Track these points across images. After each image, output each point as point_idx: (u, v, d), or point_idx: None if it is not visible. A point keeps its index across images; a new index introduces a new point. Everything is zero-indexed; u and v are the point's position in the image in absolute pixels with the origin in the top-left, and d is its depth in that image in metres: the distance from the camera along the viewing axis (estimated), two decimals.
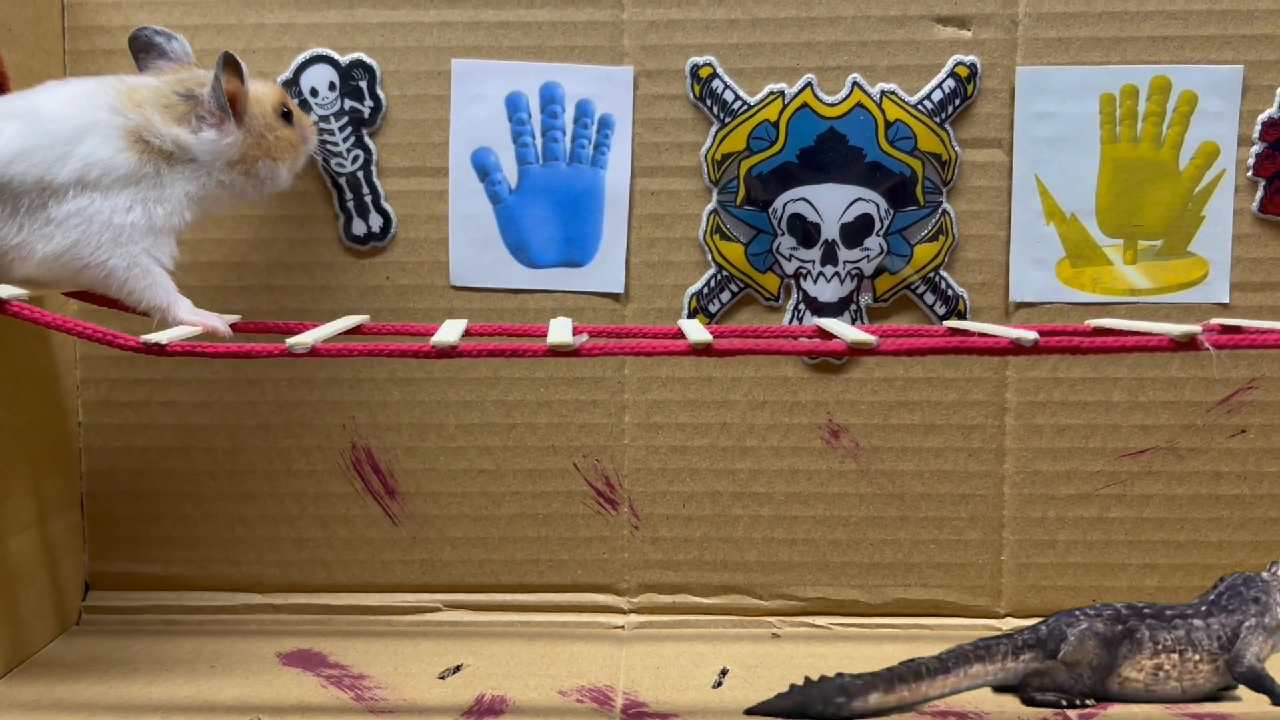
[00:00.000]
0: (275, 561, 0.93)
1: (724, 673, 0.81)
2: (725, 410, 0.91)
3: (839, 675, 0.73)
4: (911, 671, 0.74)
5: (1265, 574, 0.77)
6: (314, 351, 0.68)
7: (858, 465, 0.91)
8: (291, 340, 0.69)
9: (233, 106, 0.75)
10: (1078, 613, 0.76)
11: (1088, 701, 0.75)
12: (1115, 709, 0.75)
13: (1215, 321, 0.76)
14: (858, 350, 0.68)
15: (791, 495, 0.92)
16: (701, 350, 0.69)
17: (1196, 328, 0.66)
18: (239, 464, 0.93)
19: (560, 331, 0.71)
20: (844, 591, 0.92)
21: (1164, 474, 0.90)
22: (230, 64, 0.74)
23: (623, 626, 0.92)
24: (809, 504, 0.92)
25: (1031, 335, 0.66)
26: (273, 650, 0.86)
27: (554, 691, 0.78)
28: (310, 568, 0.93)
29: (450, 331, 0.72)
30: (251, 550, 0.93)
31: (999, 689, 0.77)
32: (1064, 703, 0.74)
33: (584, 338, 0.69)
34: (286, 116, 0.79)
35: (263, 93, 0.78)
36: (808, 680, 0.73)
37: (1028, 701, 0.75)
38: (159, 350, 0.68)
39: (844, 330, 0.72)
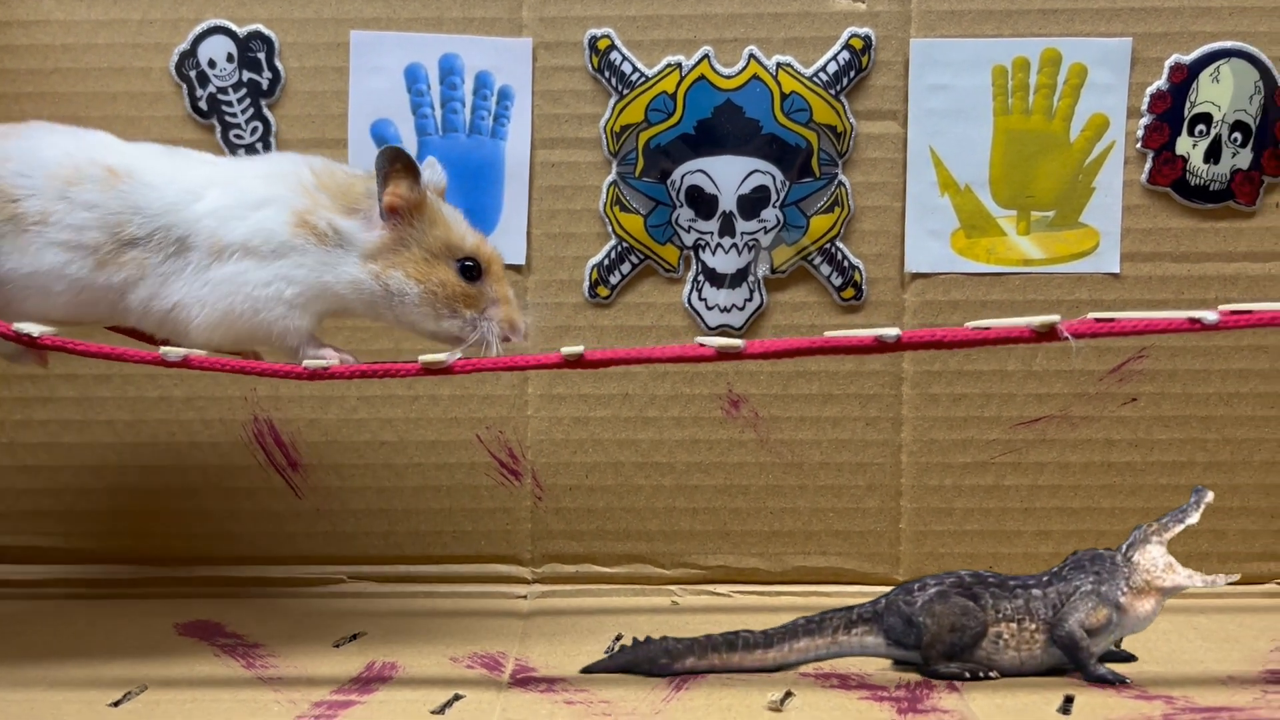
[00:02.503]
0: (178, 534, 0.93)
1: (618, 639, 0.82)
2: (627, 381, 0.92)
3: (664, 639, 0.76)
4: (727, 642, 0.75)
5: (1117, 555, 0.75)
6: (185, 362, 0.69)
7: (757, 435, 0.92)
8: (164, 349, 0.70)
9: (394, 211, 0.73)
10: (914, 585, 0.76)
11: (990, 674, 0.74)
12: None
13: (1091, 316, 0.77)
14: (725, 355, 0.68)
15: (692, 465, 0.93)
16: (573, 361, 0.69)
17: (1055, 318, 0.67)
18: (141, 436, 0.93)
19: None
20: (744, 560, 0.93)
21: (1058, 442, 0.92)
22: (398, 165, 0.72)
23: (525, 596, 0.92)
24: (710, 473, 0.93)
25: (894, 332, 0.67)
26: (171, 622, 0.86)
27: (446, 658, 0.79)
28: (214, 540, 0.93)
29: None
30: (154, 523, 0.93)
31: (899, 663, 0.77)
32: (968, 675, 0.73)
33: (456, 354, 0.70)
34: (467, 270, 0.74)
35: (453, 226, 0.74)
36: (636, 641, 0.76)
37: (931, 675, 0.74)
38: (30, 341, 0.69)
39: (713, 340, 0.71)
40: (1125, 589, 0.74)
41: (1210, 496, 0.75)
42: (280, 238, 0.72)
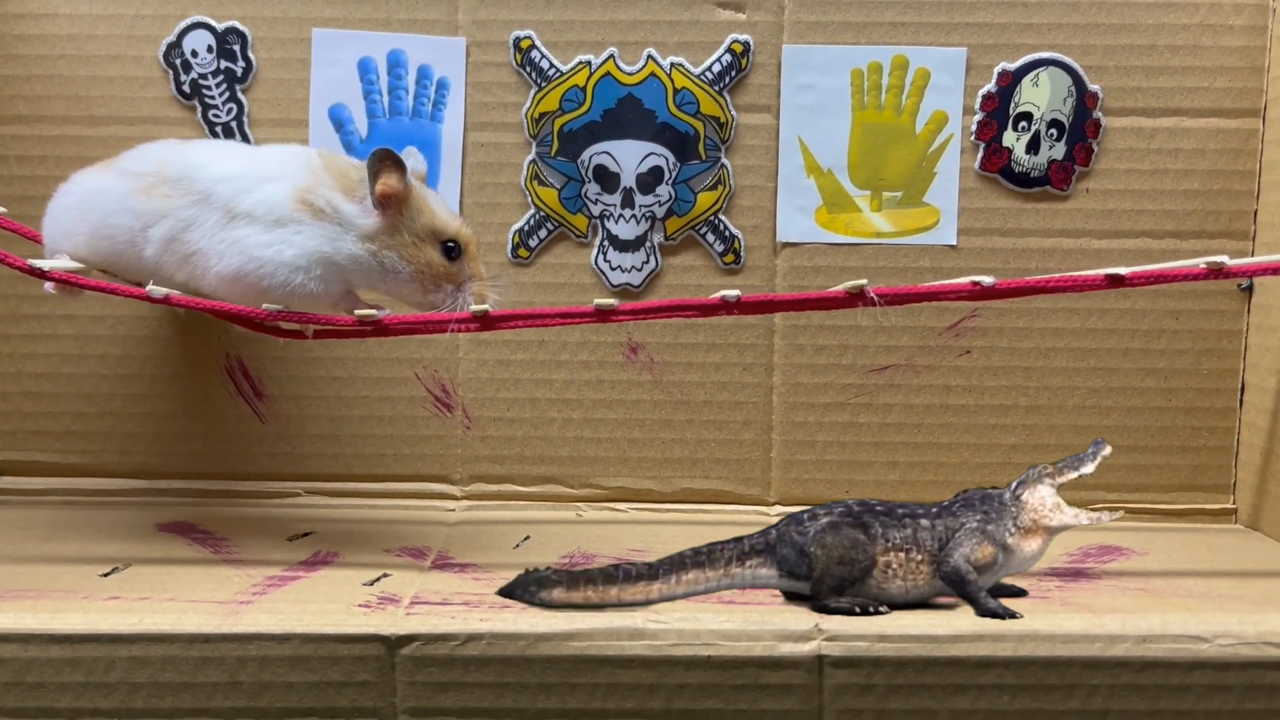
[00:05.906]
0: (160, 453, 1.09)
1: (525, 539, 0.99)
2: (543, 330, 1.08)
3: (547, 569, 0.77)
4: (604, 574, 0.75)
5: (1006, 494, 0.76)
6: (167, 300, 0.84)
7: (652, 376, 1.09)
8: (150, 287, 0.84)
9: (385, 200, 0.83)
10: (804, 515, 0.77)
11: (880, 609, 0.74)
12: None
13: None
14: (602, 314, 0.84)
15: (598, 401, 1.09)
16: (479, 318, 0.85)
17: (863, 281, 0.82)
18: (130, 369, 1.09)
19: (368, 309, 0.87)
20: (640, 481, 1.10)
21: (904, 386, 1.08)
22: (388, 162, 0.83)
23: (454, 510, 1.09)
24: (612, 408, 1.09)
25: (734, 293, 0.83)
26: (152, 521, 1.02)
27: (380, 550, 0.95)
28: (190, 458, 1.09)
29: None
30: (140, 443, 1.09)
31: (790, 597, 0.78)
32: (857, 610, 0.74)
33: (386, 310, 0.86)
34: (449, 250, 0.86)
35: (436, 213, 0.86)
36: (524, 571, 0.78)
37: (820, 609, 0.74)
38: (41, 274, 0.85)
39: (600, 301, 0.86)
40: (1013, 529, 0.75)
41: (1108, 450, 0.76)
42: (281, 210, 0.83)
